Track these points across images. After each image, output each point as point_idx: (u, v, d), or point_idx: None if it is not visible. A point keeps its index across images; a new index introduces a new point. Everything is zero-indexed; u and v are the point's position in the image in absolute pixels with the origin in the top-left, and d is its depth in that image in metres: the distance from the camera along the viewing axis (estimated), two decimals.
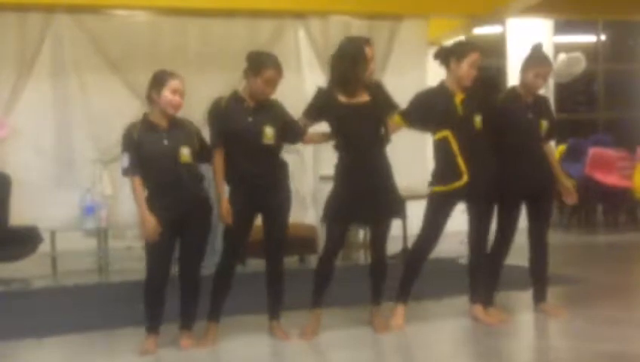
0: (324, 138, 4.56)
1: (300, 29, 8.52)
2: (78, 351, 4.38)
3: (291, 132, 4.39)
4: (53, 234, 7.11)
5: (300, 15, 8.40)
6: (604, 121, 11.47)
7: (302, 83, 8.32)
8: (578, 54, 10.13)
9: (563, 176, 4.93)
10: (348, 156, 4.36)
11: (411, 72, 8.48)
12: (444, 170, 4.49)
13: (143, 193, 4.07)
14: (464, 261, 4.63)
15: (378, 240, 4.48)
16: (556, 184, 4.85)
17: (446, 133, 4.45)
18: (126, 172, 4.09)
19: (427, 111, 4.53)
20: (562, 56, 10.25)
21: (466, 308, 4.75)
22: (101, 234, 7.32)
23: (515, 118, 4.62)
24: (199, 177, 4.22)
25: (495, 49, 10.67)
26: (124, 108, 7.38)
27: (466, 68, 4.47)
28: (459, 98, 4.49)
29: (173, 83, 4.09)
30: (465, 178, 4.42)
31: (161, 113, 4.12)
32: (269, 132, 4.23)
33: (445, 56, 4.56)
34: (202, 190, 4.24)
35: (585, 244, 8.78)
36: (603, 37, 11.51)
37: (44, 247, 6.95)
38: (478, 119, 4.47)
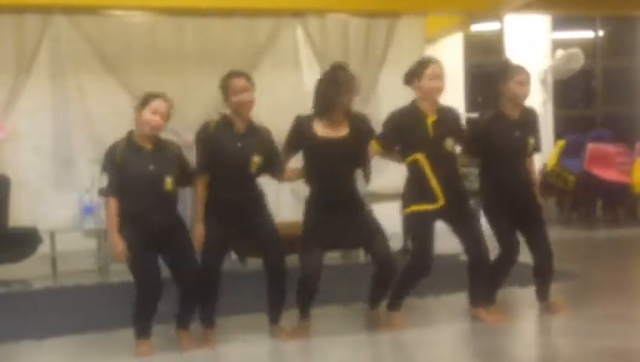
0: (298, 174, 4.50)
1: (298, 28, 8.51)
2: (78, 352, 4.38)
3: (271, 166, 4.36)
4: (52, 235, 7.11)
5: (297, 14, 8.39)
6: (603, 116, 11.47)
7: (300, 81, 8.32)
8: (576, 50, 10.13)
9: (536, 194, 4.81)
10: (319, 191, 4.33)
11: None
12: (417, 192, 4.44)
13: (117, 214, 4.02)
14: (465, 257, 4.61)
15: (376, 251, 4.34)
16: (537, 199, 4.75)
17: (417, 156, 4.42)
18: (103, 192, 4.07)
19: (399, 132, 4.48)
20: (560, 53, 10.26)
21: (466, 305, 4.76)
22: (101, 234, 7.32)
23: (501, 138, 4.55)
24: (176, 202, 4.19)
25: (493, 46, 10.67)
26: (123, 109, 7.34)
27: (428, 82, 4.42)
28: (430, 120, 4.44)
29: (154, 103, 4.03)
30: (441, 201, 4.39)
31: (142, 134, 4.07)
32: (256, 161, 4.23)
33: (409, 79, 4.52)
34: (176, 213, 4.21)
35: (584, 240, 8.78)
36: (601, 33, 11.50)
37: (44, 248, 6.95)
38: (448, 141, 4.43)
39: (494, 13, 9.25)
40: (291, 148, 4.42)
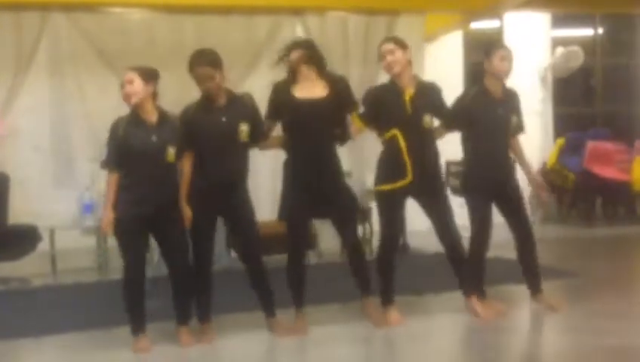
0: (279, 141, 4.50)
1: (297, 25, 8.50)
2: (77, 349, 4.38)
3: (255, 132, 4.34)
4: (52, 232, 7.10)
5: (296, 11, 8.39)
6: (602, 114, 11.46)
7: None
8: (576, 48, 10.12)
9: (531, 172, 4.93)
10: (298, 152, 4.34)
11: None
12: (389, 168, 4.48)
13: (116, 188, 4.07)
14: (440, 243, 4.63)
15: (345, 234, 4.45)
16: (516, 179, 4.79)
17: (394, 131, 4.44)
18: (103, 165, 4.14)
19: (377, 107, 4.52)
20: (560, 51, 10.25)
21: (464, 303, 4.76)
22: (100, 232, 7.30)
23: (484, 114, 4.62)
24: (176, 174, 4.22)
25: (493, 44, 10.66)
26: (122, 106, 7.37)
27: (382, 63, 4.50)
28: (408, 94, 4.46)
29: (124, 79, 4.12)
30: (409, 177, 4.41)
31: (142, 108, 4.12)
32: (243, 128, 4.23)
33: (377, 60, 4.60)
34: (176, 187, 4.22)
35: (583, 238, 8.78)
36: (600, 31, 11.49)
37: (44, 246, 6.94)
38: (426, 117, 4.45)
39: (494, 11, 9.24)
40: (273, 114, 4.43)
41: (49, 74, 7.93)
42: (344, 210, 4.43)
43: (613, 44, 11.71)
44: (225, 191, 4.23)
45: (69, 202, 7.45)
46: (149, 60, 7.76)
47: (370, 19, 8.57)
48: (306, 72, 4.35)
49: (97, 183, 7.48)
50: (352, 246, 4.51)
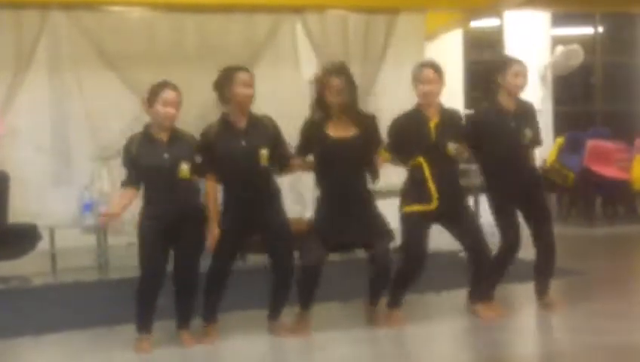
0: (306, 166, 4.52)
1: (298, 24, 8.49)
2: (77, 348, 4.38)
3: (279, 155, 4.34)
4: (52, 231, 7.10)
5: (297, 10, 8.38)
6: (602, 113, 11.45)
7: (299, 77, 8.30)
8: (576, 47, 10.12)
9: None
10: (330, 189, 4.36)
11: (408, 66, 8.41)
12: (414, 193, 4.47)
13: (127, 201, 4.15)
14: (464, 254, 4.62)
15: (376, 252, 4.35)
16: (541, 181, 4.86)
17: (419, 159, 4.44)
18: (124, 184, 4.21)
19: (403, 136, 4.51)
20: (560, 49, 10.24)
21: (466, 302, 4.76)
22: (100, 231, 7.31)
23: (497, 128, 4.61)
24: (195, 191, 4.23)
25: (492, 42, 10.65)
26: (122, 105, 7.38)
27: (417, 88, 4.47)
28: (433, 123, 4.46)
29: (164, 95, 4.07)
30: (435, 203, 4.40)
31: (159, 126, 4.10)
32: (264, 153, 4.21)
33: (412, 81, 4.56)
34: (197, 202, 4.23)
35: (583, 237, 8.78)
36: (600, 29, 11.48)
37: (44, 245, 6.94)
38: (450, 145, 4.44)
39: (494, 10, 9.23)
40: (304, 150, 4.44)
41: (49, 72, 7.91)
42: (372, 233, 4.37)
43: (613, 42, 11.70)
44: (253, 213, 4.22)
45: (68, 201, 7.45)
46: (149, 59, 7.82)
47: (370, 18, 8.56)
48: (344, 111, 4.32)
49: (97, 182, 7.51)
50: (382, 266, 4.36)
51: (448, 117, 4.54)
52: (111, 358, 4.17)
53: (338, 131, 4.32)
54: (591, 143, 9.58)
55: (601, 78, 11.45)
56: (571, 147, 9.73)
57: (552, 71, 10.47)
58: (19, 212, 7.04)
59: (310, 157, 4.48)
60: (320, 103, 4.34)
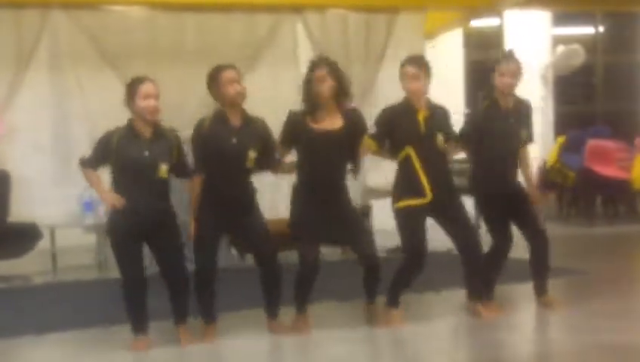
0: (291, 167, 4.53)
1: (298, 23, 8.49)
2: (78, 347, 4.38)
3: (267, 159, 4.37)
4: (52, 230, 7.11)
5: (297, 9, 8.38)
6: (603, 113, 11.46)
7: (299, 77, 8.27)
8: (576, 46, 10.12)
9: (532, 184, 4.93)
10: (309, 182, 4.36)
11: None
12: (406, 187, 4.47)
13: (99, 180, 4.14)
14: (455, 251, 4.62)
15: (361, 252, 4.40)
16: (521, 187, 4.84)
17: (408, 150, 4.43)
18: (83, 163, 4.18)
19: (392, 127, 4.49)
20: (561, 49, 10.24)
21: (465, 301, 4.76)
22: (100, 230, 7.31)
23: (494, 125, 4.63)
24: (168, 190, 4.21)
25: (493, 41, 10.66)
26: (122, 105, 7.37)
27: (403, 84, 4.47)
28: (422, 115, 4.47)
29: (143, 88, 4.04)
30: (429, 196, 4.40)
31: (143, 121, 4.09)
32: (252, 156, 4.23)
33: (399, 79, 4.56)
34: (169, 200, 4.22)
35: (584, 236, 8.78)
36: (601, 29, 11.48)
37: (44, 244, 6.95)
38: (439, 137, 4.45)
39: (494, 9, 9.22)
40: (287, 143, 4.44)
41: (49, 72, 7.92)
42: (354, 233, 4.42)
43: (613, 42, 11.71)
44: (234, 211, 4.25)
45: (69, 200, 7.44)
46: (149, 58, 7.81)
47: (370, 17, 8.56)
48: (329, 103, 4.34)
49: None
50: (371, 265, 4.43)
51: (437, 111, 4.55)
52: (110, 357, 4.17)
53: (322, 124, 4.33)
54: (591, 143, 9.58)
55: (601, 77, 11.45)
56: (572, 146, 9.74)
57: (552, 70, 10.47)
58: (19, 211, 7.04)
59: (293, 153, 4.48)
60: (307, 95, 4.34)
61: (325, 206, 4.31)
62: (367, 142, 4.48)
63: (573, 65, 10.21)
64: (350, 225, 4.41)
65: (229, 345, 4.27)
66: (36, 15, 7.73)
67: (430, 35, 9.03)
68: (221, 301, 4.44)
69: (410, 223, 4.45)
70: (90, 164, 4.17)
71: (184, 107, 7.06)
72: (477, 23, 10.00)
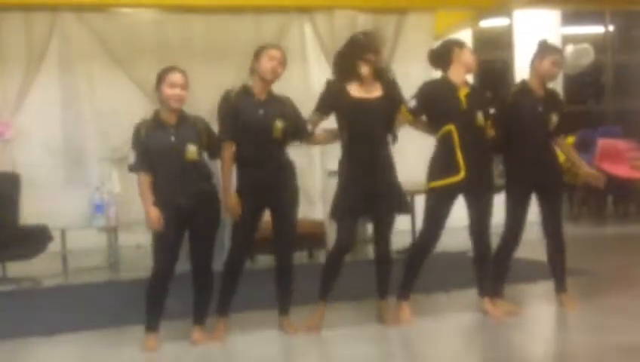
0: (331, 137, 4.54)
1: (306, 24, 8.51)
2: (89, 349, 4.40)
3: (298, 130, 4.39)
4: (63, 232, 7.13)
5: (305, 10, 8.40)
6: (613, 112, 11.41)
7: (308, 78, 8.33)
8: (586, 46, 10.07)
9: (583, 166, 5.03)
10: (354, 152, 4.34)
11: (418, 66, 8.43)
12: (442, 164, 4.47)
13: (149, 188, 4.09)
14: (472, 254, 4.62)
15: (382, 237, 4.46)
16: (561, 178, 4.85)
17: (449, 127, 4.43)
18: (131, 168, 4.16)
19: (432, 103, 4.52)
20: (570, 48, 10.20)
21: (475, 301, 4.75)
22: (111, 231, 7.35)
23: (525, 111, 4.63)
24: (206, 174, 4.23)
25: (502, 41, 10.63)
26: (132, 106, 7.40)
27: (465, 58, 4.53)
28: (463, 92, 4.49)
29: (171, 77, 4.08)
30: (462, 173, 4.40)
31: (167, 110, 4.13)
32: (279, 125, 4.24)
33: (443, 53, 4.59)
34: (210, 185, 4.23)
35: (595, 236, 8.75)
36: (611, 28, 11.44)
37: (55, 246, 6.98)
38: (480, 115, 4.47)
39: (503, 9, 9.21)
40: (324, 109, 4.42)
41: (59, 73, 7.98)
42: (389, 214, 4.43)
43: (623, 41, 11.66)
44: (269, 187, 4.25)
45: (79, 202, 7.49)
46: (158, 60, 7.85)
47: (379, 18, 8.57)
48: (368, 73, 4.34)
49: (108, 183, 7.55)
50: (384, 256, 4.46)
51: (477, 90, 4.60)
52: (121, 358, 4.17)
53: (362, 92, 4.33)
54: (602, 142, 9.55)
55: (611, 76, 11.40)
56: (582, 146, 9.68)
57: (562, 70, 10.43)
58: (30, 213, 7.09)
59: (331, 125, 4.48)
60: (348, 64, 4.33)
61: (370, 179, 4.29)
62: (404, 113, 4.49)
63: (583, 64, 10.16)
64: (385, 207, 4.39)
65: (239, 345, 4.28)
66: (46, 18, 7.79)
67: (439, 35, 9.02)
68: (232, 301, 4.44)
69: (440, 203, 4.47)
70: (139, 166, 4.11)
71: (194, 106, 7.07)
72: (486, 23, 9.98)
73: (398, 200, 4.44)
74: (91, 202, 7.38)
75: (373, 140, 4.33)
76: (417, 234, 4.60)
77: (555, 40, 10.58)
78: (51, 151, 7.95)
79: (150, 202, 4.06)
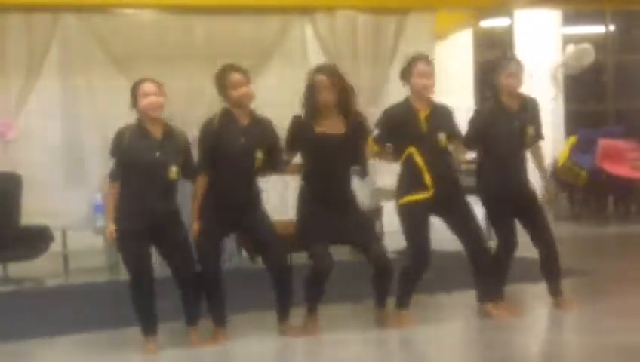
0: (299, 169, 4.54)
1: (307, 25, 8.50)
2: (89, 349, 4.40)
3: (273, 160, 4.38)
4: (64, 233, 7.14)
5: (306, 10, 8.39)
6: (614, 112, 11.40)
7: None
8: (587, 46, 10.07)
9: (546, 179, 5.01)
10: (315, 187, 4.36)
11: None
12: (409, 184, 4.47)
13: (114, 201, 4.08)
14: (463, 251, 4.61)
15: (372, 254, 4.38)
16: (533, 188, 4.81)
17: (411, 150, 4.42)
18: (112, 177, 4.13)
19: (394, 128, 4.49)
20: (571, 48, 10.20)
21: (476, 302, 4.74)
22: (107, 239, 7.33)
23: (500, 129, 4.60)
24: (176, 191, 4.22)
25: (503, 41, 10.63)
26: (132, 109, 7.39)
27: (415, 79, 4.44)
28: (423, 114, 4.46)
29: (142, 88, 4.08)
30: (431, 191, 4.40)
31: (149, 121, 4.10)
32: (259, 156, 4.24)
33: (403, 75, 4.56)
34: (174, 203, 4.22)
35: (595, 236, 8.74)
36: (612, 27, 11.43)
37: (56, 246, 6.99)
38: (441, 136, 4.44)
39: (504, 9, 9.21)
40: (292, 146, 4.45)
41: (60, 75, 7.96)
42: (363, 233, 4.43)
43: (624, 40, 11.65)
44: (239, 212, 4.26)
45: (80, 202, 7.49)
46: (159, 61, 7.84)
47: (379, 18, 8.55)
48: (331, 108, 4.34)
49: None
50: (382, 268, 4.40)
51: (438, 110, 4.55)
52: (122, 359, 4.19)
53: (325, 128, 4.33)
54: (603, 142, 9.53)
55: (612, 76, 11.39)
56: (583, 146, 9.69)
57: (563, 70, 10.43)
58: (31, 214, 7.08)
59: (298, 156, 4.50)
60: (308, 101, 4.34)
61: (331, 208, 4.31)
62: (370, 144, 4.49)
63: (584, 64, 10.16)
64: (358, 227, 4.40)
65: (239, 347, 4.28)
66: (47, 19, 7.78)
67: (440, 35, 9.02)
68: (231, 302, 4.44)
69: (413, 220, 4.45)
70: (117, 176, 4.11)
71: (193, 109, 7.08)
72: (487, 23, 9.97)
73: (368, 233, 4.45)
74: (92, 203, 7.38)
75: (334, 176, 4.35)
76: (406, 258, 4.53)
77: (555, 40, 10.66)
78: (52, 153, 7.94)
79: (111, 216, 4.05)
